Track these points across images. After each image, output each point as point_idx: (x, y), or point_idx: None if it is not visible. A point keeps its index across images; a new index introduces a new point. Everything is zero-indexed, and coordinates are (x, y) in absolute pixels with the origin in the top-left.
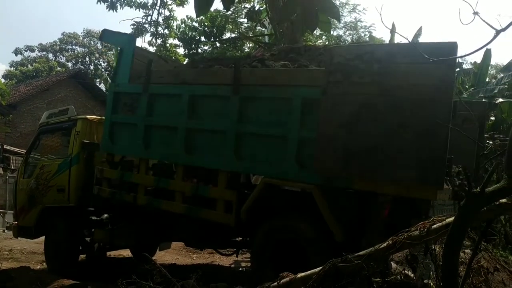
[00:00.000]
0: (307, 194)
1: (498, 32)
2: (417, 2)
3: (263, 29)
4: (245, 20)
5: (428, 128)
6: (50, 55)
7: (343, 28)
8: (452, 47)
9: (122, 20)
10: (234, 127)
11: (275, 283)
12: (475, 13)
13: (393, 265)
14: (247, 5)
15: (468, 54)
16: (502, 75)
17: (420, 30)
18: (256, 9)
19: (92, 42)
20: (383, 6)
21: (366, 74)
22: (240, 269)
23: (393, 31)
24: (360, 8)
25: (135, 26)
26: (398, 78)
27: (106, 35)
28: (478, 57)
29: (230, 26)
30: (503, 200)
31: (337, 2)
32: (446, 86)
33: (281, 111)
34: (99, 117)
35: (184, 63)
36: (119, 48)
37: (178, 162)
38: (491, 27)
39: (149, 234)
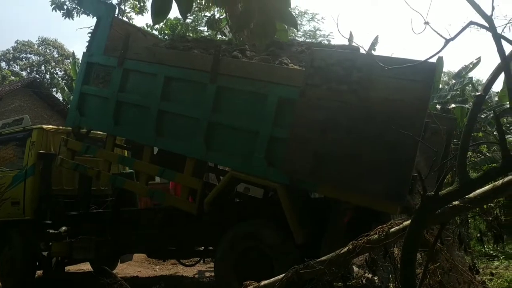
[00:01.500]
0: (271, 199)
1: (447, 41)
2: (373, 11)
3: (224, 37)
4: (206, 29)
5: (397, 144)
6: (3, 64)
7: (303, 37)
8: (430, 66)
9: (79, 28)
10: (207, 116)
11: None
12: (426, 23)
13: (355, 269)
14: (207, 14)
15: (420, 62)
16: (454, 81)
17: (376, 38)
18: (216, 17)
19: (48, 51)
20: (339, 15)
21: (344, 82)
22: (203, 279)
23: (350, 39)
24: (319, 17)
25: None
26: (376, 90)
27: (85, 2)
28: None
29: (191, 34)
30: (456, 202)
31: (296, 11)
32: (421, 104)
33: (256, 106)
34: (55, 127)
35: (164, 41)
36: (96, 17)
37: (147, 143)
38: (441, 36)
39: (109, 246)
